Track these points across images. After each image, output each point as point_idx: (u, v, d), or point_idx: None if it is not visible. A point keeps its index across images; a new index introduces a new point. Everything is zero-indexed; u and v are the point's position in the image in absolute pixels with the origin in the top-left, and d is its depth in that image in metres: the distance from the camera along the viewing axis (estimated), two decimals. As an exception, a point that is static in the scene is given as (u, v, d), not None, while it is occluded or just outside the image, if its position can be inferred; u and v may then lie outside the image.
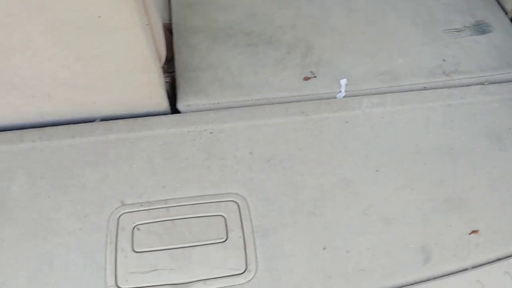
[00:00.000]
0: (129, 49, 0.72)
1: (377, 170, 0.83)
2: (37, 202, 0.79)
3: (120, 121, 0.89)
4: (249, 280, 0.72)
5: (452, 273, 0.73)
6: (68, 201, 0.79)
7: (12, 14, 0.63)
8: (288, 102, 0.92)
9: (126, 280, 0.71)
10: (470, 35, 1.01)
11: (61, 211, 0.78)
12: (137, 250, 0.74)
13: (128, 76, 0.78)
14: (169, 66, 0.99)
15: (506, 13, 1.08)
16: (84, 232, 0.76)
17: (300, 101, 0.92)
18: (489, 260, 0.74)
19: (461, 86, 0.95)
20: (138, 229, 0.76)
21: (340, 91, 0.93)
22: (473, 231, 0.77)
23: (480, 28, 1.01)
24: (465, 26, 1.03)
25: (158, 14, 0.77)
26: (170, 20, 1.03)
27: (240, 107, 0.92)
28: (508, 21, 1.06)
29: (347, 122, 0.89)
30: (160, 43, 0.79)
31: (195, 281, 0.71)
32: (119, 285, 0.71)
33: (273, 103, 0.92)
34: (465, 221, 0.78)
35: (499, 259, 0.74)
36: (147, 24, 0.69)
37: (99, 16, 0.65)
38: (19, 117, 0.86)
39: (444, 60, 0.97)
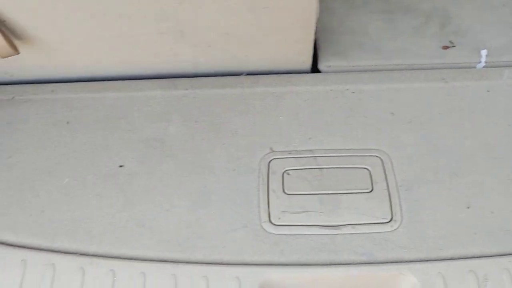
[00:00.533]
0: (297, 2, 0.77)
1: (520, 139, 0.84)
2: (193, 142, 0.86)
3: (265, 76, 0.94)
4: (395, 229, 0.75)
5: None
6: (221, 144, 0.85)
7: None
8: (427, 69, 0.94)
9: (279, 218, 0.77)
10: None
11: (215, 152, 0.84)
12: (287, 192, 0.79)
13: (288, 30, 0.83)
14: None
15: None
16: (237, 172, 0.82)
17: (439, 68, 0.94)
18: None
19: None
20: (288, 174, 0.81)
21: (480, 62, 0.94)
22: None
23: None
24: None
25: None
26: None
27: (379, 70, 0.94)
28: None
29: (488, 91, 0.90)
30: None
31: (344, 225, 0.76)
32: (272, 221, 0.76)
33: (412, 69, 0.94)
34: None
35: None
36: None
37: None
38: (176, 66, 0.93)
39: None
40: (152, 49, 0.87)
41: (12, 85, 0.94)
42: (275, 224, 0.76)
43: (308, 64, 0.93)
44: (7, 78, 0.94)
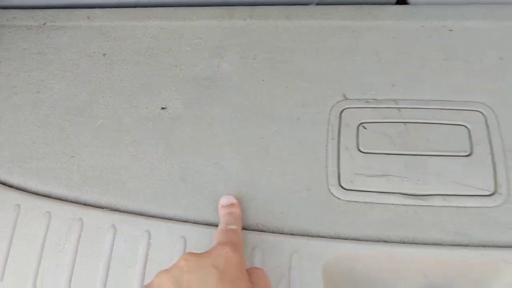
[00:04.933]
0: None
1: None
2: (250, 84, 0.71)
3: (341, 7, 0.77)
4: (499, 205, 0.59)
5: None
6: (283, 87, 0.70)
7: None
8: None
9: (351, 182, 0.61)
10: None
11: (276, 97, 0.69)
12: (363, 150, 0.63)
13: None
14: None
15: None
16: (302, 122, 0.66)
17: None
18: None
19: None
20: (364, 128, 0.65)
21: None
22: None
23: None
24: None
25: None
26: None
27: (487, 4, 0.74)
28: None
29: None
30: None
31: (433, 195, 0.60)
32: (343, 185, 0.61)
33: (530, 3, 0.74)
34: None
35: None
36: None
37: None
38: (232, -10, 0.77)
39: None
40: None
41: (44, 10, 0.82)
42: (346, 189, 0.61)
43: (394, -7, 0.75)
44: (38, 0, 0.81)
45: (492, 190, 0.60)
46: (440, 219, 0.59)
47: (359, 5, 0.76)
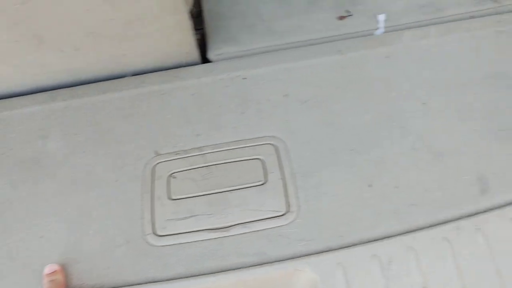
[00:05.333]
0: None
1: (423, 103, 0.77)
2: (73, 157, 0.78)
3: (151, 74, 0.86)
4: (291, 222, 0.68)
5: (514, 204, 0.67)
6: (103, 154, 0.77)
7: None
8: (323, 43, 0.87)
9: (164, 228, 0.69)
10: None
11: (97, 164, 0.76)
12: (173, 197, 0.71)
13: (156, 20, 0.76)
14: (198, 23, 0.95)
15: None
16: (120, 183, 0.74)
17: (335, 40, 0.87)
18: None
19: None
20: (174, 177, 0.73)
21: (379, 28, 0.87)
22: (536, 158, 0.69)
23: None
24: None
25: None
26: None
27: (272, 51, 0.87)
28: None
29: (387, 57, 0.83)
30: (184, -16, 0.76)
31: (234, 225, 0.68)
32: (157, 232, 0.69)
33: (307, 46, 0.87)
34: (526, 149, 0.71)
35: None
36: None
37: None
38: (49, 77, 0.85)
39: (491, -14, 0.89)
40: (13, 61, 0.79)
41: None
42: (159, 235, 0.68)
43: (195, 55, 0.86)
44: None
45: (284, 210, 0.69)
46: (241, 245, 0.67)
47: (167, 70, 0.86)
